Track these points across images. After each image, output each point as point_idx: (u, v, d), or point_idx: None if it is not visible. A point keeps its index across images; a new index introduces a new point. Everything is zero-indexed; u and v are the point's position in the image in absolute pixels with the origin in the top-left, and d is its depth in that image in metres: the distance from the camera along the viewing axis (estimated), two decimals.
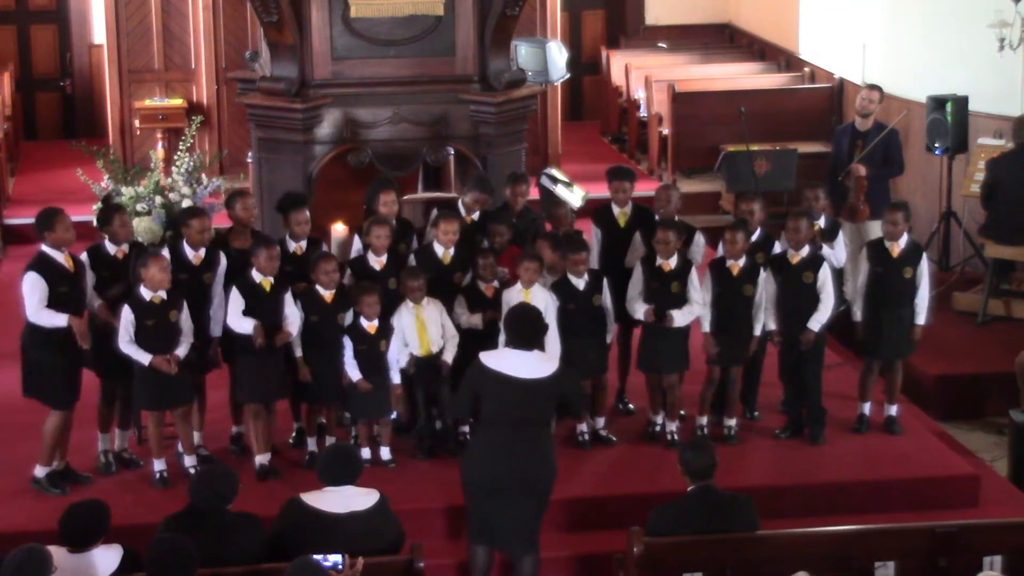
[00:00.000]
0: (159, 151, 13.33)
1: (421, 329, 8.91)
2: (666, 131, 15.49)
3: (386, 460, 8.98)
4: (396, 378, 8.94)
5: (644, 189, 14.99)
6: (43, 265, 8.46)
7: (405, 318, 8.92)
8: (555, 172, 11.97)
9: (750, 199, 9.68)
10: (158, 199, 11.41)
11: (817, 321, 9.21)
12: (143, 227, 11.18)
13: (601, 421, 9.34)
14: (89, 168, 12.28)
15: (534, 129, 14.59)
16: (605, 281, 9.16)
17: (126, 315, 8.44)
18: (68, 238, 8.55)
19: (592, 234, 9.76)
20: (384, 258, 9.12)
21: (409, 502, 8.29)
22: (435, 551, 7.83)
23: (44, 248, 8.53)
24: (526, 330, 7.74)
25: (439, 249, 9.20)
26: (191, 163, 11.86)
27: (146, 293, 8.44)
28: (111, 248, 8.83)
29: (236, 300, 8.67)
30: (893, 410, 9.62)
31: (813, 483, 8.93)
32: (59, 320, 8.40)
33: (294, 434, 9.32)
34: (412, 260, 9.22)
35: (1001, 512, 8.58)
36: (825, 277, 9.25)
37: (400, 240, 9.36)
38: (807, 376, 9.31)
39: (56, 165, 15.66)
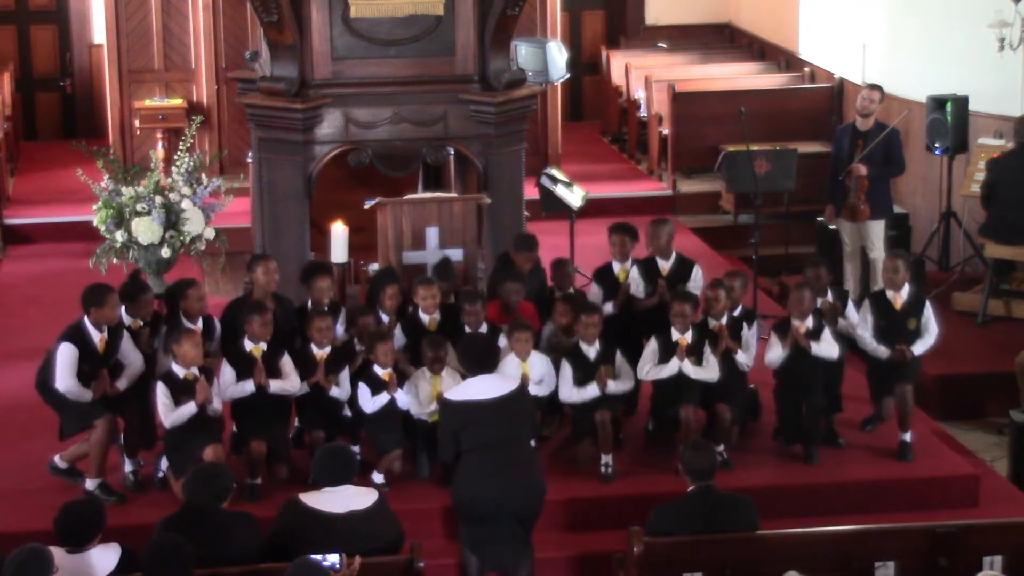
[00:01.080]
0: (159, 151, 13.31)
1: (437, 400, 8.77)
2: (666, 131, 15.48)
3: (379, 483, 8.72)
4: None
5: (645, 189, 15.12)
6: (79, 340, 8.43)
7: (422, 387, 8.79)
8: (555, 172, 11.96)
9: (733, 275, 9.45)
10: (158, 199, 11.38)
11: (816, 347, 9.03)
12: (143, 227, 11.16)
13: (607, 458, 9.00)
14: (89, 168, 12.24)
15: (534, 129, 14.58)
16: (619, 354, 9.01)
17: (163, 392, 8.33)
18: (111, 317, 8.53)
19: (591, 294, 9.65)
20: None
21: (409, 502, 8.29)
22: (435, 551, 7.83)
23: (85, 322, 8.49)
24: (480, 355, 7.89)
25: (424, 317, 9.14)
26: (191, 163, 11.83)
27: (179, 370, 8.37)
28: (127, 319, 8.80)
29: (227, 373, 8.61)
30: (907, 436, 9.36)
31: (813, 483, 8.93)
32: (86, 396, 8.42)
33: (293, 433, 9.30)
34: (399, 330, 9.14)
35: (1001, 512, 8.58)
36: (827, 338, 9.08)
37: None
38: (808, 403, 9.10)
39: (56, 165, 15.66)
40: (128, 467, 8.83)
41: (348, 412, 8.91)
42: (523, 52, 14.15)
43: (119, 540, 6.76)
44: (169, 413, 8.33)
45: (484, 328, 9.00)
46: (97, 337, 8.50)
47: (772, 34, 17.48)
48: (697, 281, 9.58)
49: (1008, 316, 11.92)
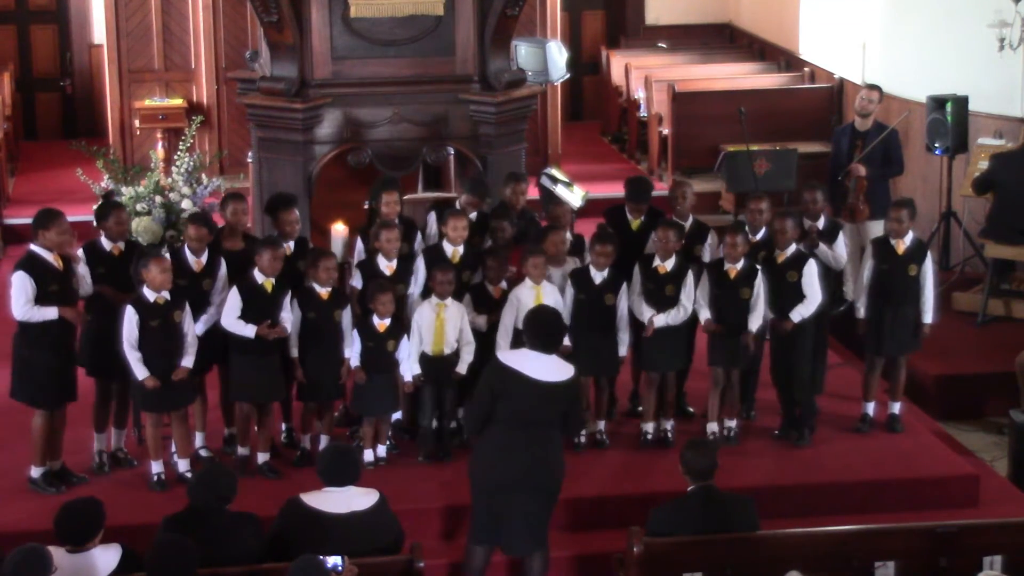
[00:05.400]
0: (159, 151, 13.32)
1: (439, 328, 8.90)
2: (666, 131, 15.49)
3: (381, 457, 8.97)
4: (408, 375, 8.95)
5: None
6: (31, 264, 8.43)
7: (425, 314, 8.91)
8: (555, 172, 11.98)
9: (759, 198, 9.63)
10: (158, 199, 11.39)
11: (797, 313, 9.19)
12: (143, 227, 11.16)
13: (601, 424, 9.32)
14: (89, 168, 12.27)
15: (534, 129, 14.59)
16: (625, 285, 9.12)
17: (129, 316, 8.42)
18: (60, 242, 8.52)
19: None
20: (395, 263, 9.11)
21: (405, 502, 8.27)
22: (430, 551, 7.81)
23: (33, 247, 8.51)
24: (548, 334, 7.63)
25: (448, 248, 9.20)
26: (191, 163, 11.85)
27: (149, 294, 8.44)
28: (107, 244, 8.84)
29: (234, 300, 8.68)
30: (896, 408, 9.63)
31: (813, 483, 8.93)
32: (49, 313, 8.38)
33: (284, 434, 9.33)
34: (420, 261, 9.21)
35: (1001, 512, 8.58)
36: (811, 275, 9.23)
37: (403, 240, 9.36)
38: (795, 375, 9.29)
39: (56, 165, 15.67)
40: (96, 445, 8.90)
41: (347, 353, 8.90)
42: (523, 52, 14.16)
43: (120, 540, 6.76)
44: (130, 347, 8.37)
45: (504, 285, 9.06)
46: (50, 256, 8.47)
47: (772, 34, 17.48)
48: (711, 247, 9.60)
49: (1008, 316, 11.92)
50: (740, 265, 9.14)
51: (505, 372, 7.54)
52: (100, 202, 9.03)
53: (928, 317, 9.53)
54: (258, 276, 8.73)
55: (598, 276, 9.08)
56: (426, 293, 9.08)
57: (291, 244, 9.20)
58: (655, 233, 9.18)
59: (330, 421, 9.07)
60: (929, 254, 9.60)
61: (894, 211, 9.53)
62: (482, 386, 7.63)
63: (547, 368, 7.55)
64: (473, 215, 9.60)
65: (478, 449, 7.73)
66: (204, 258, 8.91)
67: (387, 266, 9.10)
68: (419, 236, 9.64)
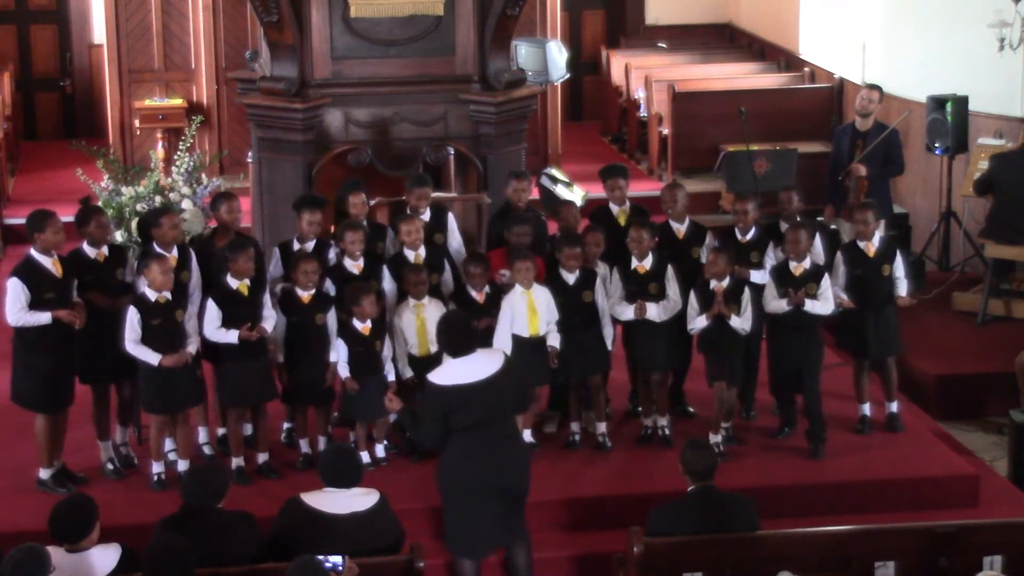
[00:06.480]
0: (159, 151, 13.35)
1: (421, 329, 8.91)
2: (666, 131, 15.49)
3: (380, 457, 8.98)
4: (391, 375, 8.94)
5: (645, 189, 15.12)
6: (28, 271, 8.42)
7: (406, 317, 8.92)
8: (555, 172, 11.99)
9: (744, 198, 9.61)
10: (158, 199, 11.40)
11: (812, 305, 9.09)
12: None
13: (602, 426, 9.27)
14: (89, 168, 12.28)
15: (534, 129, 14.58)
16: (598, 280, 9.11)
17: (132, 315, 8.42)
18: (57, 241, 8.51)
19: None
20: (361, 262, 9.11)
21: (401, 502, 8.25)
22: (430, 551, 7.80)
23: (32, 252, 8.50)
24: (458, 337, 7.66)
25: (409, 253, 9.17)
26: (191, 163, 11.87)
27: (151, 294, 8.44)
28: (90, 251, 8.78)
29: (212, 311, 8.63)
30: (894, 407, 9.63)
31: (813, 483, 8.93)
32: (42, 318, 8.36)
33: (284, 434, 9.33)
34: (385, 270, 9.18)
35: (1001, 512, 8.58)
36: (826, 286, 9.16)
37: (376, 240, 9.33)
38: (806, 388, 9.21)
39: (56, 165, 15.67)
40: (104, 454, 8.88)
41: (333, 357, 8.88)
42: (523, 52, 14.17)
43: (120, 540, 6.76)
44: (134, 343, 8.39)
45: (487, 289, 9.03)
46: (49, 262, 8.46)
47: (772, 34, 17.49)
48: (708, 249, 9.54)
49: (1008, 316, 11.91)
50: (725, 283, 8.97)
51: (445, 392, 7.50)
52: (80, 208, 8.97)
53: (903, 290, 9.45)
54: (232, 281, 8.68)
55: (570, 277, 9.05)
56: (402, 296, 9.06)
57: (309, 245, 9.15)
58: (629, 234, 9.12)
59: (325, 422, 9.05)
60: (899, 251, 9.56)
61: (859, 213, 9.47)
62: (428, 411, 7.59)
63: (477, 367, 7.55)
64: (426, 214, 9.51)
65: (445, 458, 7.65)
66: (175, 252, 8.84)
67: (355, 266, 9.09)
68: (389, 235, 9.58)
